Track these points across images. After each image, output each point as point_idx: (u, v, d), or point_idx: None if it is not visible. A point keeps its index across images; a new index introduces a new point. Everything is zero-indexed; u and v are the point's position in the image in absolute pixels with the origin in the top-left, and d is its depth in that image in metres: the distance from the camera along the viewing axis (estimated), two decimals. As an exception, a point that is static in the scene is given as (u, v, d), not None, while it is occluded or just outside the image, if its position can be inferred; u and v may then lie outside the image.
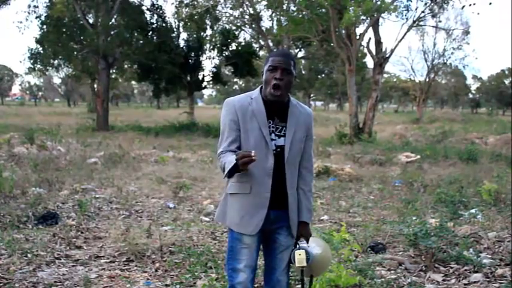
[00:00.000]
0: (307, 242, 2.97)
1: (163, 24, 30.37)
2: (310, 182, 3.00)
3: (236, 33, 32.70)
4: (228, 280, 2.93)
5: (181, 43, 31.71)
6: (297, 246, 2.91)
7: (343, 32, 21.76)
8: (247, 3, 31.17)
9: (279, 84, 2.74)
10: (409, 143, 19.37)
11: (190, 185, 9.02)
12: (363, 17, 21.20)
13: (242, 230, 2.82)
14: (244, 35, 34.21)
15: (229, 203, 2.88)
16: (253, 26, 32.74)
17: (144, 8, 29.90)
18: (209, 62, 33.38)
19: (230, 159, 2.58)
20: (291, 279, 3.97)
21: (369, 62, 40.93)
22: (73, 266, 4.96)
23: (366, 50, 25.24)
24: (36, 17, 27.48)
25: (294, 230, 2.92)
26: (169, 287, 4.47)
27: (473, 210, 7.37)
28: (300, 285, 3.13)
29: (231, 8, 32.62)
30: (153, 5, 30.23)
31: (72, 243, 5.66)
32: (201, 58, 32.16)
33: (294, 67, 2.81)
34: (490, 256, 5.19)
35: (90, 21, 27.14)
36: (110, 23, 26.26)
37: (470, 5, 22.29)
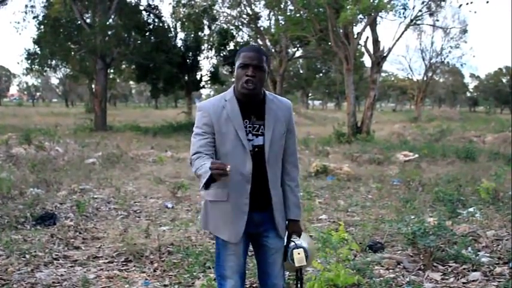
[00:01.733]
0: (299, 238, 2.91)
1: (161, 24, 30.37)
2: (296, 177, 2.92)
3: (234, 32, 32.73)
4: (217, 285, 2.90)
5: (179, 43, 31.72)
6: (293, 244, 2.86)
7: (341, 31, 21.76)
8: (244, 2, 31.24)
9: (251, 81, 2.63)
10: (407, 142, 19.38)
11: (188, 185, 9.01)
12: (360, 16, 21.23)
13: (226, 238, 2.75)
14: (242, 35, 34.29)
15: (209, 209, 2.81)
16: (251, 25, 32.82)
17: (141, 8, 29.87)
18: (207, 61, 33.38)
19: (205, 169, 2.36)
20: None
21: (367, 61, 40.91)
22: (71, 266, 4.95)
23: (363, 49, 25.23)
24: (34, 17, 27.46)
25: (281, 230, 2.84)
26: (168, 287, 4.47)
27: (471, 209, 7.37)
28: (297, 285, 3.11)
29: (228, 8, 32.75)
30: (150, 5, 30.23)
31: (70, 243, 5.65)
32: (198, 58, 32.17)
33: (267, 63, 2.71)
34: (488, 255, 5.19)
35: (88, 21, 27.09)
36: (108, 23, 26.22)
37: (467, 3, 22.29)
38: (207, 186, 2.37)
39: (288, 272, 3.31)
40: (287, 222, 2.90)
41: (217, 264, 2.85)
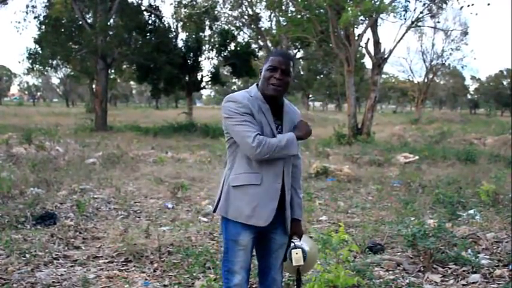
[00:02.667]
0: (300, 240, 2.99)
1: (162, 25, 30.36)
2: (299, 179, 3.07)
3: (235, 33, 32.74)
4: (223, 282, 2.93)
5: (180, 43, 31.74)
6: (293, 245, 2.92)
7: (342, 32, 21.77)
8: (246, 3, 31.23)
9: (279, 84, 2.78)
10: (408, 144, 19.38)
11: (188, 186, 9.01)
12: (361, 18, 21.23)
13: (253, 222, 2.78)
14: (243, 36, 34.29)
15: (233, 195, 2.82)
16: (252, 26, 32.80)
17: (142, 8, 29.87)
18: (208, 62, 33.42)
19: (289, 135, 2.78)
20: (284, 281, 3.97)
21: (368, 62, 40.98)
22: (71, 266, 4.96)
23: (364, 51, 25.29)
24: (35, 17, 27.46)
25: (288, 228, 2.95)
26: (168, 287, 4.47)
27: (471, 211, 7.37)
28: (296, 285, 3.13)
29: (229, 9, 32.71)
30: (151, 5, 30.23)
31: (70, 243, 5.66)
32: (199, 58, 32.17)
33: (293, 68, 2.84)
34: (488, 257, 5.19)
35: (89, 21, 27.09)
36: (109, 23, 26.24)
37: (468, 5, 22.32)
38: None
39: (287, 274, 3.33)
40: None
41: (225, 259, 2.89)
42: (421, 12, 23.48)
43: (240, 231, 2.82)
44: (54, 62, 28.45)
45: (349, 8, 18.79)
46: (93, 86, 36.09)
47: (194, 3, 31.16)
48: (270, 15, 31.98)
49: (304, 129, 2.89)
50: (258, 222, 2.78)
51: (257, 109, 2.79)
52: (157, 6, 30.41)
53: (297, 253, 2.87)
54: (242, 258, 2.83)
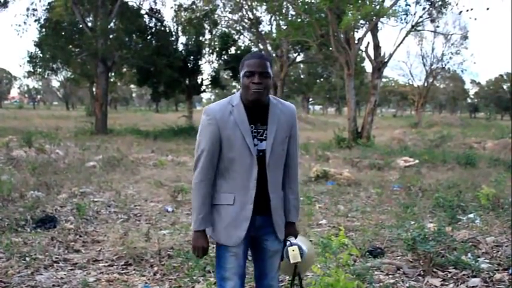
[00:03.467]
0: (295, 239, 2.95)
1: (162, 28, 30.37)
2: (296, 180, 2.96)
3: (235, 37, 32.77)
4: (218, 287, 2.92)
5: (180, 47, 31.73)
6: (288, 243, 2.89)
7: (342, 36, 21.81)
8: (246, 7, 31.30)
9: (259, 88, 2.67)
10: (408, 148, 19.38)
11: (188, 189, 9.00)
12: (361, 22, 21.28)
13: (225, 242, 2.79)
14: (243, 39, 34.35)
15: (214, 214, 2.83)
16: (252, 30, 32.89)
17: (143, 11, 29.90)
18: (208, 65, 33.27)
19: (195, 222, 2.82)
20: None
21: (368, 66, 40.93)
22: (71, 269, 4.96)
23: (364, 55, 25.31)
24: (35, 20, 27.45)
25: (280, 234, 2.88)
26: (168, 291, 4.47)
27: (471, 215, 7.37)
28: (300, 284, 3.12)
29: (230, 12, 32.81)
30: (151, 9, 30.26)
31: (70, 246, 5.66)
32: (199, 62, 32.18)
33: (271, 68, 2.74)
34: (488, 261, 5.19)
35: (89, 24, 27.12)
36: (109, 26, 26.23)
37: (468, 10, 22.44)
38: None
39: (287, 277, 3.33)
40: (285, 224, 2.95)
41: (218, 266, 2.88)
42: (421, 17, 23.54)
43: None
44: (55, 65, 28.42)
45: (349, 12, 18.83)
46: (93, 89, 36.04)
47: (194, 6, 31.26)
48: (270, 19, 32.12)
49: (194, 242, 2.87)
50: (228, 242, 2.78)
51: (232, 123, 2.71)
52: (158, 10, 30.47)
53: (293, 250, 2.84)
54: (234, 264, 2.80)
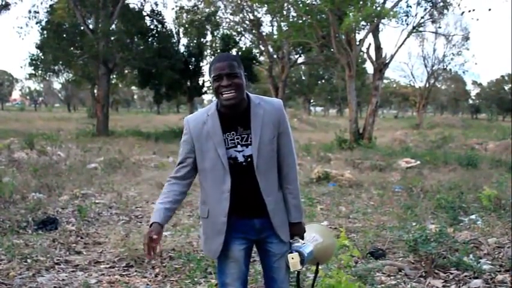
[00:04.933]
0: (302, 240, 2.85)
1: (164, 30, 30.41)
2: (294, 179, 2.81)
3: (236, 38, 32.78)
4: None
5: (182, 49, 31.75)
6: (289, 250, 2.80)
7: (343, 37, 21.81)
8: (247, 9, 31.32)
9: (229, 90, 2.57)
10: (409, 149, 19.35)
11: (190, 191, 9.00)
12: (363, 23, 21.27)
13: (207, 254, 2.83)
14: (245, 41, 34.35)
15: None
16: (254, 31, 32.88)
17: (144, 13, 29.94)
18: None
19: (154, 214, 2.66)
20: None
21: (369, 67, 40.93)
22: (73, 271, 4.96)
23: (365, 56, 25.29)
24: (37, 23, 27.49)
25: (283, 235, 2.78)
26: (169, 293, 4.47)
27: (473, 216, 7.37)
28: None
29: (231, 14, 32.81)
30: (153, 10, 30.30)
31: (71, 248, 5.66)
32: (201, 64, 32.19)
33: (239, 66, 2.64)
34: (490, 262, 5.18)
35: (91, 26, 27.15)
36: (110, 28, 26.27)
37: (469, 11, 22.48)
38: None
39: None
40: (289, 225, 2.86)
41: (219, 272, 2.84)
42: (423, 18, 23.55)
43: (229, 245, 2.75)
44: (56, 67, 28.43)
45: (350, 13, 18.83)
46: (95, 91, 36.10)
47: (196, 8, 31.28)
48: (271, 21, 32.09)
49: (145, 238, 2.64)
50: (209, 254, 2.81)
51: (205, 135, 2.67)
52: (159, 12, 30.50)
53: (292, 258, 2.73)
54: (234, 270, 2.76)
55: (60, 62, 27.58)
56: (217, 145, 2.64)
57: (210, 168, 2.67)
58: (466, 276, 4.80)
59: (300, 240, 2.86)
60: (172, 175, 2.80)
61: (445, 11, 24.24)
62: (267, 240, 2.80)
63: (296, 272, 2.91)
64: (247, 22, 32.85)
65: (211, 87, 2.77)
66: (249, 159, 2.66)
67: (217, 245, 2.71)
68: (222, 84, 2.57)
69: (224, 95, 2.57)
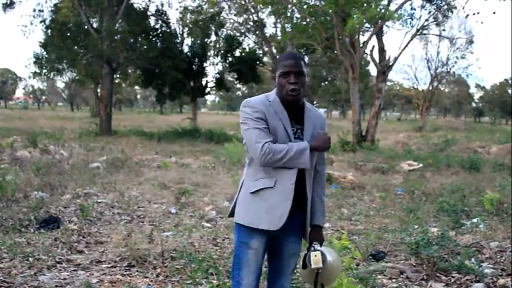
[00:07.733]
0: (321, 246, 2.93)
1: (168, 30, 30.45)
2: (323, 185, 3.03)
3: (240, 39, 32.81)
4: (233, 286, 2.92)
5: (185, 49, 31.82)
6: (312, 248, 2.87)
7: (347, 39, 21.81)
8: (251, 10, 31.32)
9: (295, 88, 2.76)
10: (412, 151, 19.32)
11: (192, 191, 9.02)
12: (366, 25, 21.27)
13: (264, 226, 2.77)
14: (248, 42, 34.37)
15: (250, 201, 2.82)
16: (257, 32, 32.90)
17: (148, 13, 29.97)
18: (213, 68, 33.38)
19: (303, 146, 2.71)
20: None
21: (372, 69, 41.10)
22: (74, 270, 4.96)
23: (369, 58, 25.27)
24: (41, 21, 27.60)
25: (305, 234, 2.92)
26: (170, 293, 4.47)
27: (475, 220, 7.35)
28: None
29: (235, 15, 32.82)
30: (157, 10, 30.35)
31: (73, 247, 5.66)
32: (204, 64, 32.24)
33: (305, 66, 2.84)
34: (491, 266, 5.18)
35: (95, 26, 27.23)
36: (115, 28, 26.32)
37: (474, 14, 22.41)
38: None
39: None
40: (310, 228, 2.96)
41: (236, 263, 2.88)
42: (427, 20, 23.54)
43: (252, 234, 2.80)
44: (60, 66, 28.48)
45: (354, 15, 18.81)
46: (98, 90, 36.16)
47: (200, 9, 31.30)
48: (275, 22, 32.07)
49: (321, 139, 2.81)
50: (269, 226, 2.76)
51: (273, 114, 2.77)
52: (164, 12, 30.54)
53: (315, 255, 2.80)
54: (252, 261, 2.81)
55: (64, 61, 27.64)
56: (286, 125, 2.79)
57: (281, 142, 2.75)
58: (467, 279, 4.80)
59: (319, 245, 2.93)
60: (266, 141, 2.71)
61: (450, 14, 24.18)
62: (284, 238, 2.89)
63: (315, 272, 2.89)
64: (251, 23, 32.85)
65: (274, 79, 2.92)
66: None
67: (283, 213, 2.75)
68: (290, 81, 2.77)
69: (290, 92, 2.77)
